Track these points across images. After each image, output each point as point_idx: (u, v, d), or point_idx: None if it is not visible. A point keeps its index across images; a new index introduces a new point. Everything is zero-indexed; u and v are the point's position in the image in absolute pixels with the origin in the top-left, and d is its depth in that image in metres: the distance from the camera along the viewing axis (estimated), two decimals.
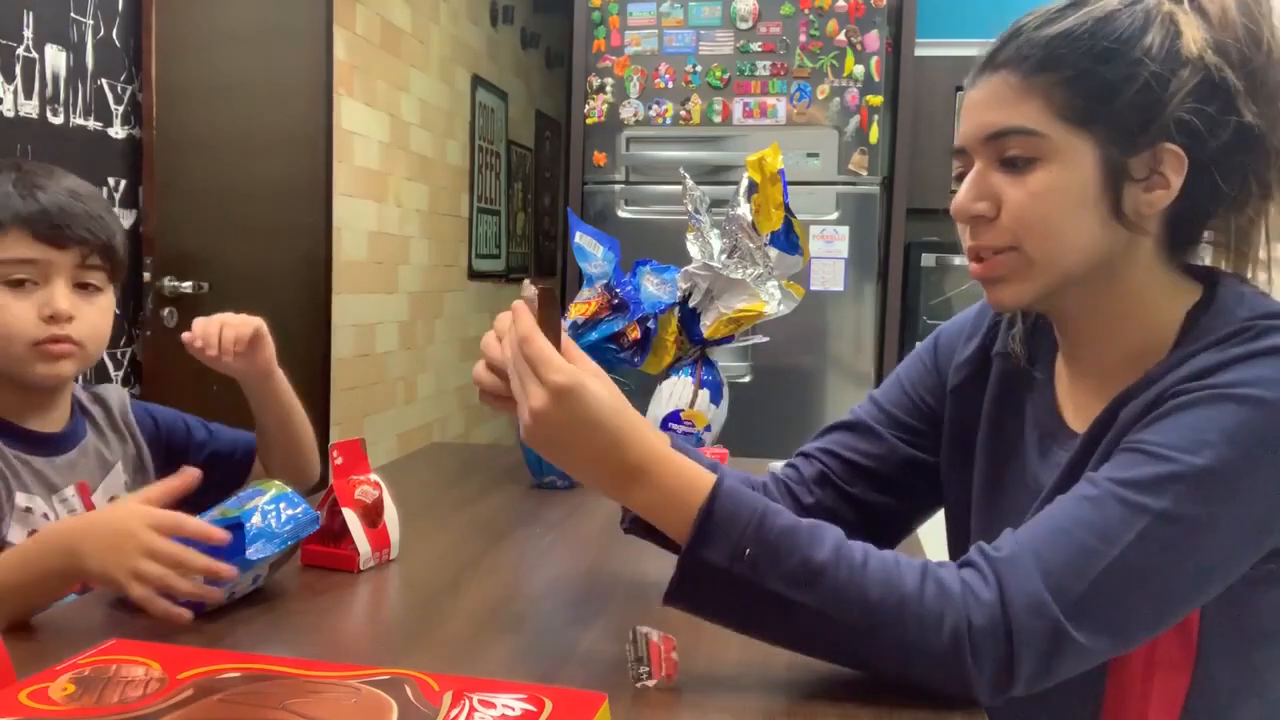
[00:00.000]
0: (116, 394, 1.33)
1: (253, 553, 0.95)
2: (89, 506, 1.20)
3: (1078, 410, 0.95)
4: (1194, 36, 0.82)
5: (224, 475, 1.30)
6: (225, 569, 0.92)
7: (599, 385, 0.79)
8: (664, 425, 1.65)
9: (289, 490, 1.03)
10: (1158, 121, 0.83)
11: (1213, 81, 0.83)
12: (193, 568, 0.91)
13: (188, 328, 1.26)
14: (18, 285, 1.13)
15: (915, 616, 0.76)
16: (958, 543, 1.06)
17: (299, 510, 1.02)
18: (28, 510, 1.14)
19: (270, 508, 1.00)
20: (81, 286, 1.17)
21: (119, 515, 0.94)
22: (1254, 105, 0.84)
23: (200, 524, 0.94)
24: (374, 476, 1.18)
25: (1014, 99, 0.85)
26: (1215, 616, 0.85)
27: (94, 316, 1.18)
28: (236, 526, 0.96)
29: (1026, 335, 1.01)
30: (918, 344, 1.14)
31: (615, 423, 0.79)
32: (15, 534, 1.12)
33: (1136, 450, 0.80)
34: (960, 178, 0.91)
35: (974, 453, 1.03)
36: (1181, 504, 0.77)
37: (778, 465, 1.13)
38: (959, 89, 3.25)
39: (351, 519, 1.13)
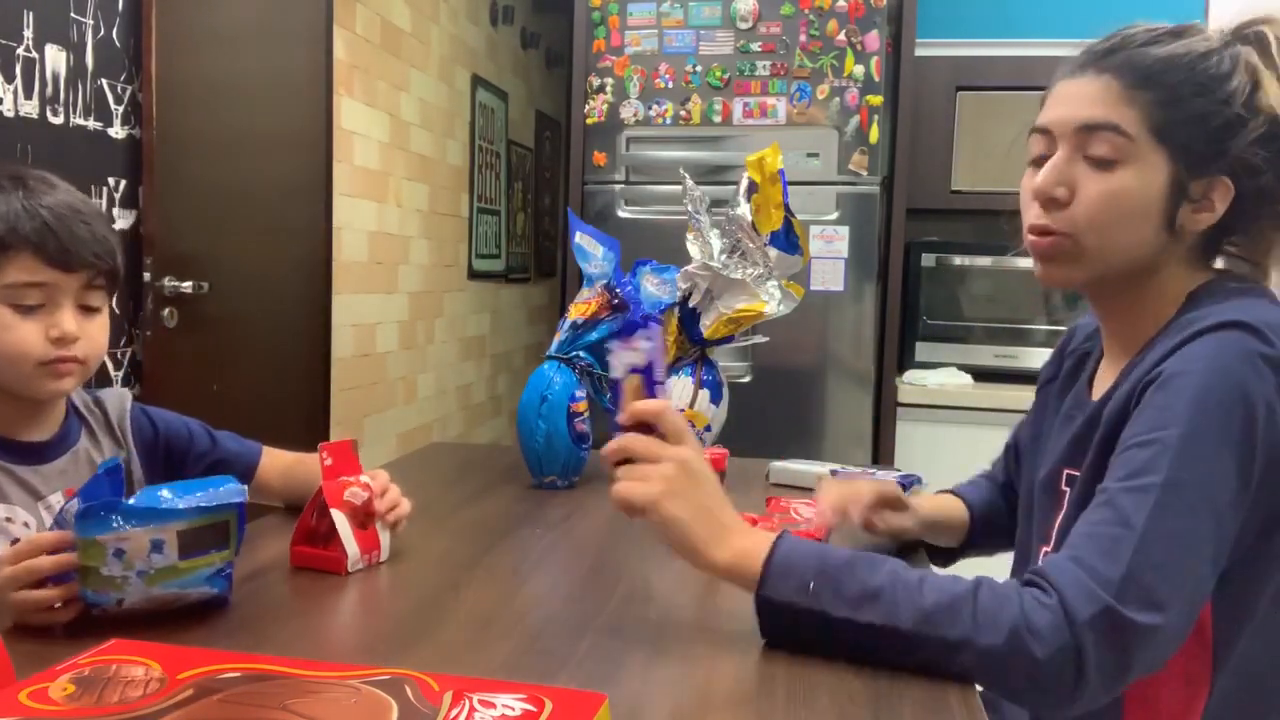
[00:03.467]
0: (117, 399, 1.32)
1: (139, 501, 0.92)
2: None
3: (1099, 386, 1.07)
4: (1275, 93, 0.94)
5: None
6: (68, 560, 0.92)
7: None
8: None
9: (234, 478, 1.00)
10: (1224, 156, 0.95)
11: (1275, 131, 0.94)
12: (41, 570, 0.91)
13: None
14: (25, 307, 1.12)
15: (971, 614, 0.83)
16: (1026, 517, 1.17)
17: (225, 488, 0.98)
18: (8, 520, 1.13)
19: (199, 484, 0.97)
20: (84, 307, 1.17)
21: None
22: None
23: (45, 535, 0.94)
24: (364, 478, 1.16)
25: (1114, 101, 0.96)
26: (1231, 628, 0.93)
27: (96, 335, 1.18)
28: (114, 470, 0.94)
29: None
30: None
31: (718, 491, 0.95)
32: None
33: (1124, 449, 0.91)
34: (1037, 160, 1.02)
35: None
36: (1178, 470, 0.86)
37: (781, 464, 1.14)
38: (959, 89, 3.26)
39: (340, 520, 1.12)
